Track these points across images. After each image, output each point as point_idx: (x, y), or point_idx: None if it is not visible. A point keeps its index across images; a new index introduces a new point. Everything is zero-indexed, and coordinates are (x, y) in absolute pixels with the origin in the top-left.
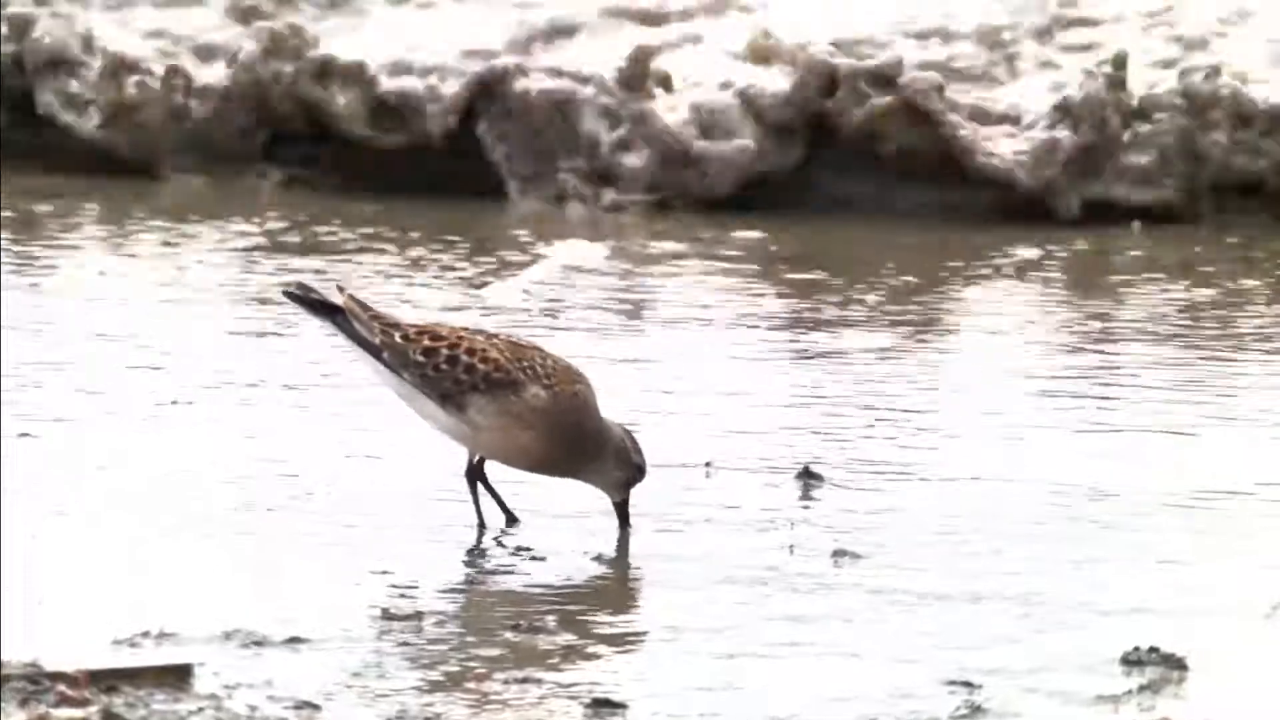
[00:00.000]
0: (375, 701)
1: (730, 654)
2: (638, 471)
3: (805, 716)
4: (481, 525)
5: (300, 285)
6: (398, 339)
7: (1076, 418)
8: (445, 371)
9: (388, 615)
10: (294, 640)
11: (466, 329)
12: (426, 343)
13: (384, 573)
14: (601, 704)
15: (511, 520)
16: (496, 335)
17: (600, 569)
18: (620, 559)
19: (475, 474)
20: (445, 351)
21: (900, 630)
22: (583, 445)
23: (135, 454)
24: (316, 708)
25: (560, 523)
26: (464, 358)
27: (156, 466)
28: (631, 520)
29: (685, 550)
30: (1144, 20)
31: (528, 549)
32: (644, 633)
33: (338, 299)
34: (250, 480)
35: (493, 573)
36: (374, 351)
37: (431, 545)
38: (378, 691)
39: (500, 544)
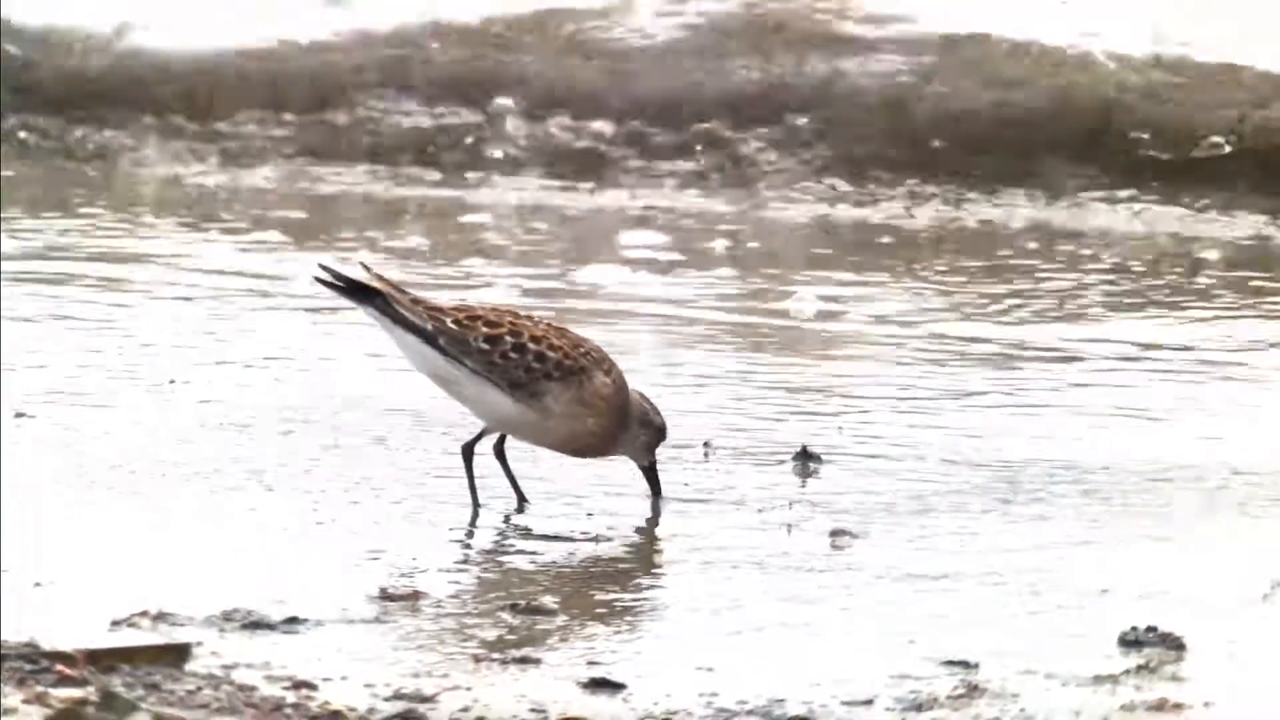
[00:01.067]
0: (373, 682)
1: (728, 634)
2: (659, 432)
3: (803, 696)
4: (476, 505)
5: (328, 269)
6: (451, 325)
7: (1079, 398)
8: (515, 360)
9: (386, 596)
10: (292, 620)
11: (498, 309)
12: (484, 329)
13: (382, 553)
14: (599, 684)
15: (523, 501)
16: (531, 316)
17: (598, 550)
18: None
19: (496, 452)
20: (510, 339)
21: (898, 610)
22: (627, 422)
23: (132, 434)
24: (314, 687)
25: (558, 503)
26: (531, 345)
27: (154, 446)
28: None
29: (683, 530)
30: None
31: (526, 529)
32: (642, 612)
33: (368, 279)
34: (247, 461)
35: (490, 553)
36: (426, 338)
37: (429, 526)
38: (375, 672)
39: (498, 525)
